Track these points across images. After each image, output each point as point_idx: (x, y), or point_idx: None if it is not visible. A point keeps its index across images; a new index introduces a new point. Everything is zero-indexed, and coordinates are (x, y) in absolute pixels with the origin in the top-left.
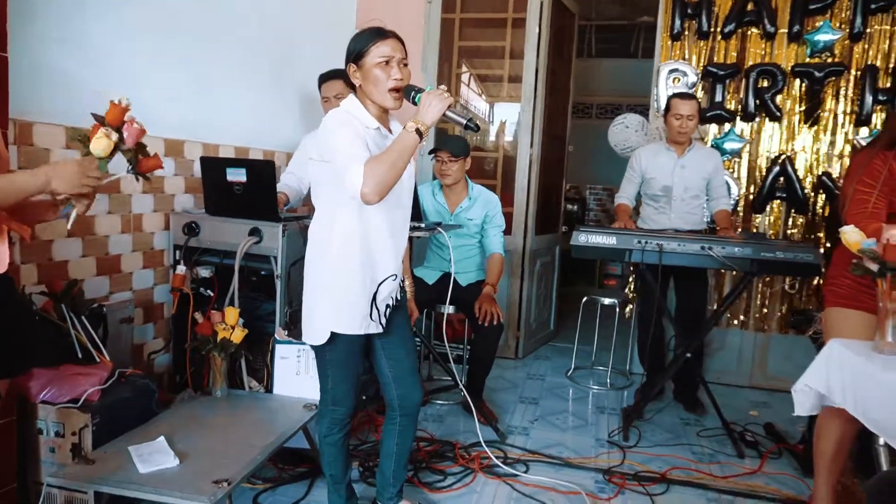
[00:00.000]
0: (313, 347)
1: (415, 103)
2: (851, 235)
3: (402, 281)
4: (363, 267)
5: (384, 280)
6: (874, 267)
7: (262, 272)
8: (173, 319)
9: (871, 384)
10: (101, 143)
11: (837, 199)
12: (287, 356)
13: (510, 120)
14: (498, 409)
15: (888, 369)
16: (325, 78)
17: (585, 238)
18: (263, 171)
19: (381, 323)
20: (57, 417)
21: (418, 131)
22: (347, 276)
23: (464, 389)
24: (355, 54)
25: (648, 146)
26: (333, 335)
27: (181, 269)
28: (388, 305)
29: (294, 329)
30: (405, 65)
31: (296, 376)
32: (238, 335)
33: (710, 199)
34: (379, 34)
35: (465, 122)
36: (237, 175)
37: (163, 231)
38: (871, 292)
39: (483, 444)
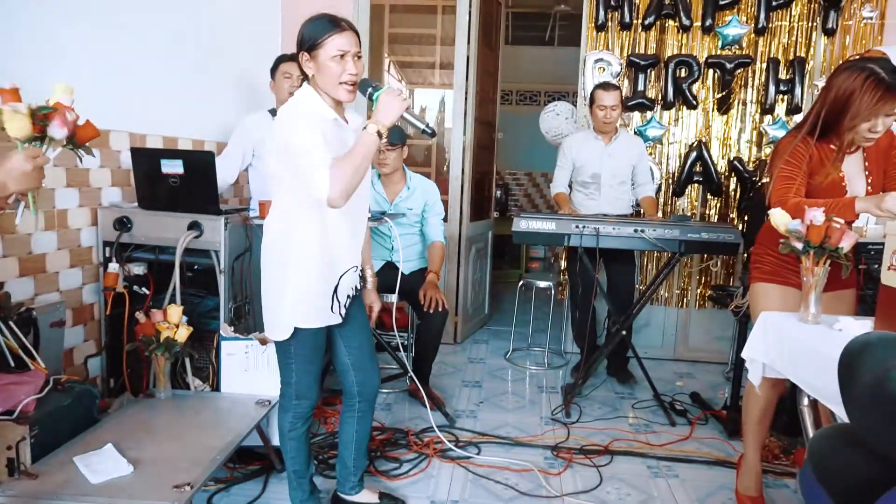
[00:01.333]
0: (276, 342)
1: (370, 99)
2: (779, 217)
3: (361, 270)
4: (324, 260)
5: (345, 272)
6: (799, 245)
7: (197, 266)
8: (107, 320)
9: (806, 353)
10: (15, 123)
11: (761, 182)
12: (234, 353)
13: (442, 107)
14: (444, 394)
15: (820, 338)
16: (287, 58)
17: (526, 224)
18: (202, 162)
19: (340, 314)
20: None
21: (378, 133)
22: (309, 271)
23: (413, 377)
24: (309, 44)
25: (576, 134)
26: (299, 329)
27: (114, 266)
28: (348, 296)
29: (239, 325)
30: (359, 57)
31: (244, 373)
32: (183, 333)
33: (636, 185)
34: (335, 25)
35: (422, 126)
36: (173, 167)
37: (90, 227)
38: (793, 268)
39: (436, 428)
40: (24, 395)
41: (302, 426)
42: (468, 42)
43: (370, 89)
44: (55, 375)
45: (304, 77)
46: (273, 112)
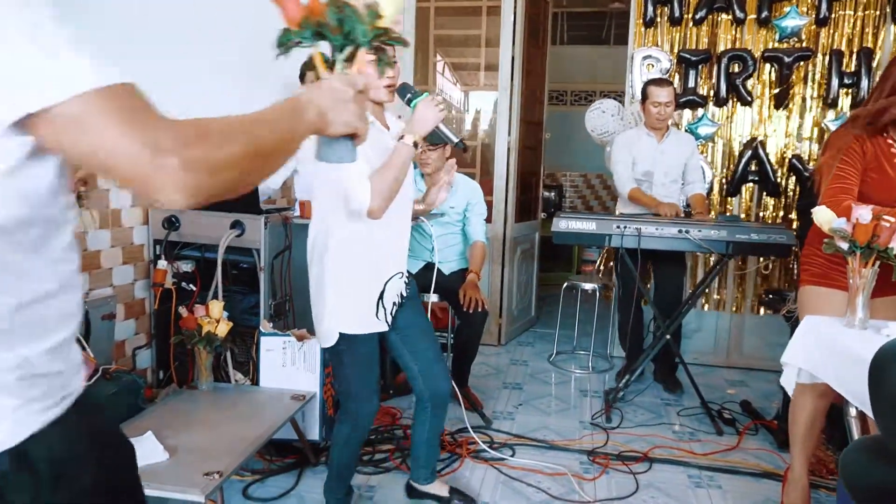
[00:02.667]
0: (328, 351)
1: (409, 105)
2: (823, 215)
3: (409, 275)
4: (368, 267)
5: (390, 278)
6: (844, 245)
7: (243, 265)
8: (155, 315)
9: (849, 359)
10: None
11: (812, 177)
12: (272, 348)
13: (487, 108)
14: (483, 396)
15: (865, 344)
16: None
17: (566, 224)
18: None
19: (386, 321)
20: None
21: (414, 143)
22: (352, 278)
23: (451, 378)
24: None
25: (629, 132)
26: (346, 336)
27: (163, 264)
28: (394, 303)
29: (279, 321)
30: (395, 62)
31: (282, 368)
32: (223, 328)
33: (686, 183)
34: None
35: (456, 140)
36: None
37: (142, 226)
38: (843, 270)
39: (470, 429)
40: None
41: (361, 433)
42: (513, 43)
43: (409, 95)
44: (104, 365)
45: None
46: None
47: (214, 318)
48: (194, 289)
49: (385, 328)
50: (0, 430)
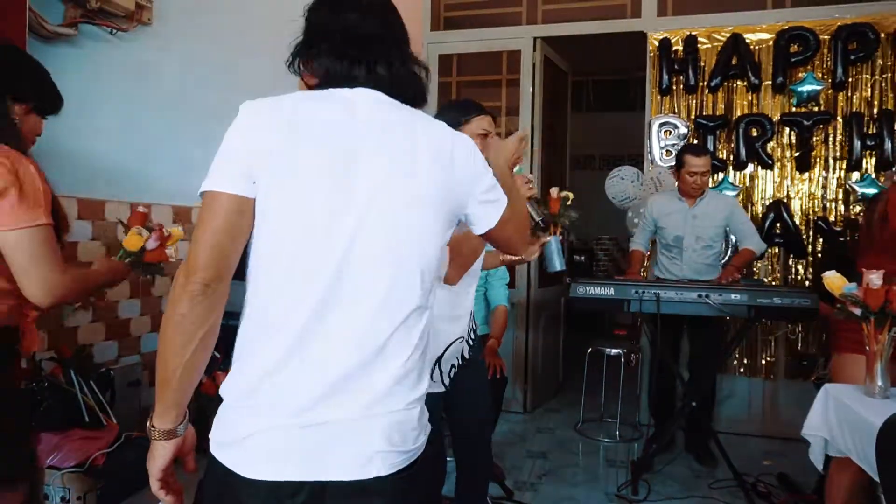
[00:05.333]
0: None
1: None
2: (834, 280)
3: (472, 339)
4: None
5: (451, 343)
6: (857, 311)
7: None
8: None
9: (868, 430)
10: (132, 241)
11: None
12: None
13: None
14: (505, 465)
15: (886, 414)
16: None
17: (584, 290)
18: None
19: (443, 382)
20: (63, 482)
21: None
22: None
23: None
24: (455, 121)
25: (661, 195)
26: None
27: None
28: (452, 365)
29: None
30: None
31: None
32: None
33: (738, 241)
34: (477, 109)
35: (538, 219)
36: None
37: None
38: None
39: (489, 501)
40: (96, 449)
41: None
42: (532, 112)
43: None
44: (128, 432)
45: None
46: None
47: None
48: (218, 356)
49: (440, 389)
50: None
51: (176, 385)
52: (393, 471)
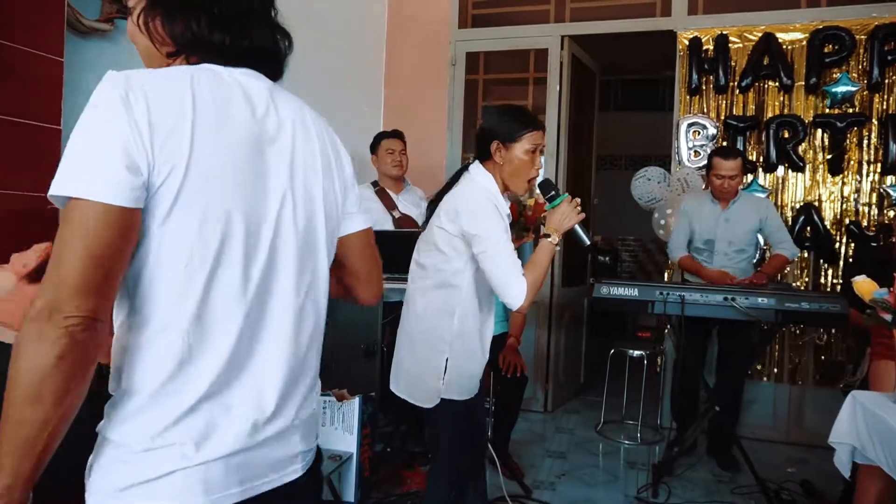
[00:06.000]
0: (431, 429)
1: (550, 202)
2: (863, 285)
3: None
4: (480, 335)
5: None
6: (888, 317)
7: None
8: None
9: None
10: None
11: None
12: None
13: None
14: (524, 463)
15: None
16: (387, 135)
17: (607, 290)
18: None
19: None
20: None
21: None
22: (470, 346)
23: (490, 445)
24: (506, 134)
25: (695, 194)
26: (449, 402)
27: None
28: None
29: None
30: (542, 152)
31: (321, 428)
32: None
33: (772, 246)
34: (534, 123)
35: (588, 242)
36: None
37: None
38: None
39: (507, 499)
40: None
41: None
42: (559, 111)
43: (553, 192)
44: None
45: (478, 157)
46: (375, 184)
47: None
48: None
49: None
50: None
51: (44, 448)
52: (308, 468)
